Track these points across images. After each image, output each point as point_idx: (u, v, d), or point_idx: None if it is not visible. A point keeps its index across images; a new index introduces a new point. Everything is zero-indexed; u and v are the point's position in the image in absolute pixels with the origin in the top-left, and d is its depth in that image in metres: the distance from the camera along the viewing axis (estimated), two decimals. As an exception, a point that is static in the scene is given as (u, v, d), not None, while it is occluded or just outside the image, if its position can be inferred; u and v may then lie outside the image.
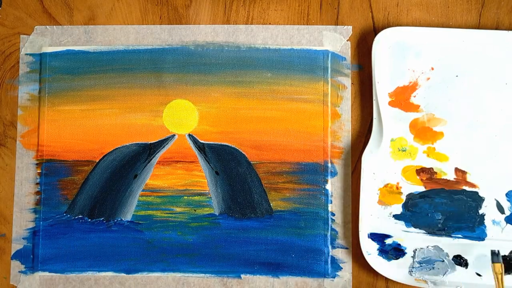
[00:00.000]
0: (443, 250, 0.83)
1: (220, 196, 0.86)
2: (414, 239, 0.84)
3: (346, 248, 0.85)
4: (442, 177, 0.84)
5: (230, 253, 0.85)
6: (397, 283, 0.84)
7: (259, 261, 0.85)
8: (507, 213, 0.83)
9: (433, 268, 0.83)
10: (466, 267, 0.83)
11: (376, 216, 0.84)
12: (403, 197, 0.84)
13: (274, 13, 0.88)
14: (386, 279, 0.84)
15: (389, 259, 0.84)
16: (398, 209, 0.84)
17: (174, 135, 0.87)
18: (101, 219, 0.86)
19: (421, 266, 0.83)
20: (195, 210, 0.86)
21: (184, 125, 0.87)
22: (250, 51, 0.87)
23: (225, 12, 0.88)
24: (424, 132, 0.84)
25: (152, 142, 0.87)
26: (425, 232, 0.84)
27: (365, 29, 0.87)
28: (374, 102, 0.84)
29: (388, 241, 0.84)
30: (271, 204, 0.86)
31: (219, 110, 0.87)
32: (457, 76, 0.84)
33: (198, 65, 0.88)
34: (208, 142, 0.87)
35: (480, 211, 0.83)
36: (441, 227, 0.84)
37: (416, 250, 0.84)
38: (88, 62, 0.88)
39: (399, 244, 0.84)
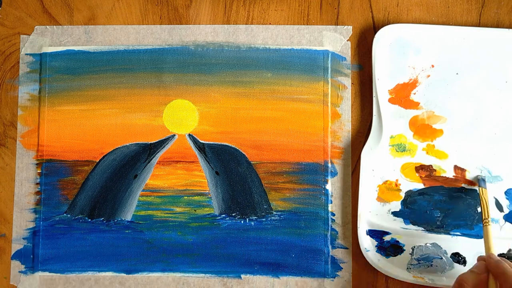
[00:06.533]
0: (442, 248, 0.84)
1: (220, 196, 0.86)
2: (412, 236, 0.84)
3: (346, 248, 0.85)
4: (441, 175, 0.85)
5: (230, 253, 0.85)
6: (397, 283, 0.85)
7: (259, 261, 0.85)
8: (506, 211, 0.84)
9: (431, 265, 0.83)
10: (464, 265, 0.83)
11: (375, 213, 0.85)
12: (402, 194, 0.85)
13: (274, 13, 0.89)
14: (386, 279, 0.85)
15: (387, 256, 0.84)
16: (397, 206, 0.85)
17: (174, 135, 0.87)
18: (101, 219, 0.86)
19: (419, 263, 0.84)
20: (195, 210, 0.86)
21: (184, 125, 0.87)
22: (250, 51, 0.88)
23: (225, 12, 0.89)
24: (423, 129, 0.85)
25: (152, 142, 0.87)
26: (423, 229, 0.84)
27: (365, 29, 0.88)
28: (374, 99, 0.85)
29: (387, 238, 0.84)
30: (271, 204, 0.86)
31: (219, 110, 0.87)
32: (457, 73, 0.85)
33: (198, 65, 0.88)
34: (208, 142, 0.87)
35: (479, 209, 0.84)
36: (439, 225, 0.84)
37: (414, 247, 0.84)
38: (88, 62, 0.88)
39: (397, 241, 0.84)
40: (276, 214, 0.86)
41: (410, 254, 0.84)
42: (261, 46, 0.88)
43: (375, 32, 0.86)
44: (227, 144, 0.87)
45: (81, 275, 0.85)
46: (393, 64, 0.85)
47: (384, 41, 0.85)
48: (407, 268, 0.84)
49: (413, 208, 0.85)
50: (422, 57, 0.85)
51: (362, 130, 0.87)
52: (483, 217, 0.79)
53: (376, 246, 0.84)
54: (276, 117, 0.87)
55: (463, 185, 0.84)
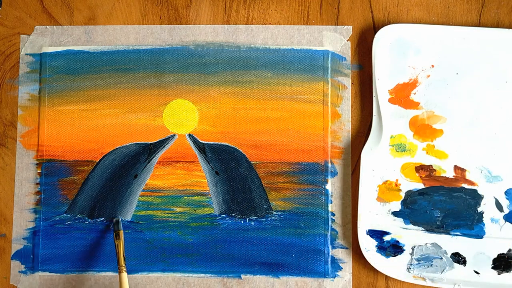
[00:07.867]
0: (442, 248, 0.84)
1: (220, 196, 0.86)
2: (412, 236, 0.84)
3: (346, 248, 0.85)
4: (441, 175, 0.85)
5: (230, 253, 0.85)
6: (398, 283, 0.85)
7: (259, 261, 0.85)
8: (506, 211, 0.84)
9: (431, 265, 0.83)
10: (464, 265, 0.83)
11: (375, 213, 0.85)
12: (402, 194, 0.85)
13: (274, 13, 0.89)
14: (386, 279, 0.85)
15: (387, 256, 0.84)
16: (397, 206, 0.85)
17: (174, 135, 0.87)
18: (101, 219, 0.86)
19: (419, 263, 0.84)
20: (195, 210, 0.86)
21: (184, 125, 0.87)
22: (250, 51, 0.88)
23: (225, 12, 0.89)
24: (423, 129, 0.85)
25: (152, 142, 0.87)
26: (423, 229, 0.84)
27: (365, 29, 0.88)
28: (374, 99, 0.85)
29: (387, 238, 0.84)
30: (271, 204, 0.86)
31: (219, 110, 0.87)
32: (457, 73, 0.85)
33: (198, 65, 0.88)
34: (208, 142, 0.87)
35: (479, 209, 0.84)
36: (439, 225, 0.84)
37: (414, 247, 0.84)
38: (88, 62, 0.88)
39: (397, 241, 0.84)
40: (276, 214, 0.86)
41: (410, 254, 0.84)
42: (261, 46, 0.88)
43: (375, 32, 0.86)
44: (227, 144, 0.87)
45: (81, 275, 0.85)
46: (393, 64, 0.86)
47: (384, 41, 0.85)
48: (407, 268, 0.84)
49: (413, 208, 0.85)
50: (422, 57, 0.85)
51: (362, 130, 0.87)
52: (119, 264, 0.81)
53: (376, 246, 0.84)
54: (276, 117, 0.87)
55: (463, 185, 0.84)
